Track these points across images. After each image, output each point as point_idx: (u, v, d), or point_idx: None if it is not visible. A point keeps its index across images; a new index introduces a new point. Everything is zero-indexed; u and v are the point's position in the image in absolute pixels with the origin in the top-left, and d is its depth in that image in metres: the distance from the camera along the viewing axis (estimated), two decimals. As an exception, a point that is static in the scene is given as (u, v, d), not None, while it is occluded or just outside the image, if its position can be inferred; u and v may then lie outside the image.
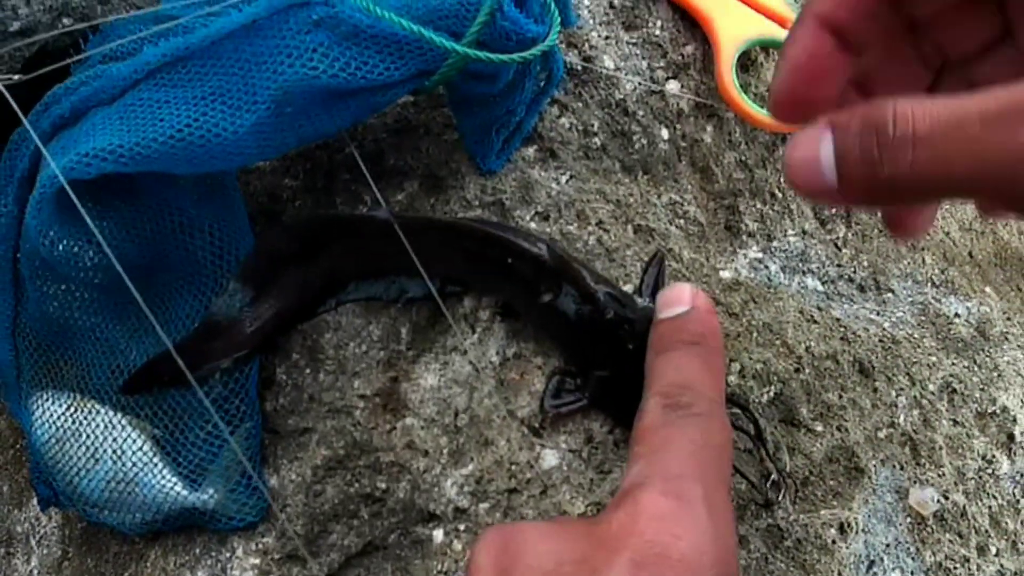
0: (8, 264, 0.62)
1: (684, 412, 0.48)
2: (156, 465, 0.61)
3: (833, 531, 0.59)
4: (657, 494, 0.44)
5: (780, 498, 0.58)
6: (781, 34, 0.65)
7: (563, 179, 0.62)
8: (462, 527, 0.58)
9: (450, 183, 0.61)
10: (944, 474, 0.65)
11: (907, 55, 0.51)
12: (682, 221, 0.63)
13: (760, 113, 0.64)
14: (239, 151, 0.53)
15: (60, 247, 0.57)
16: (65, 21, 0.67)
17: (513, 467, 0.57)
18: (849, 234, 0.72)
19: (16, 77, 0.55)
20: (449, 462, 0.58)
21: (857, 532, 0.60)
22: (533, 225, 0.60)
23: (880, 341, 0.66)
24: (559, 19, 0.56)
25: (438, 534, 0.58)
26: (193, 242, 0.59)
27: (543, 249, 0.55)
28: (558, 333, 0.56)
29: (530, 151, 0.62)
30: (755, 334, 0.61)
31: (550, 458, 0.57)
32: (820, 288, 0.69)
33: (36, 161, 0.58)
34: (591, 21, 0.64)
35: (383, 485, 0.59)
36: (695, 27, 0.67)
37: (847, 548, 0.59)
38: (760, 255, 0.68)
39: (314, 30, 0.52)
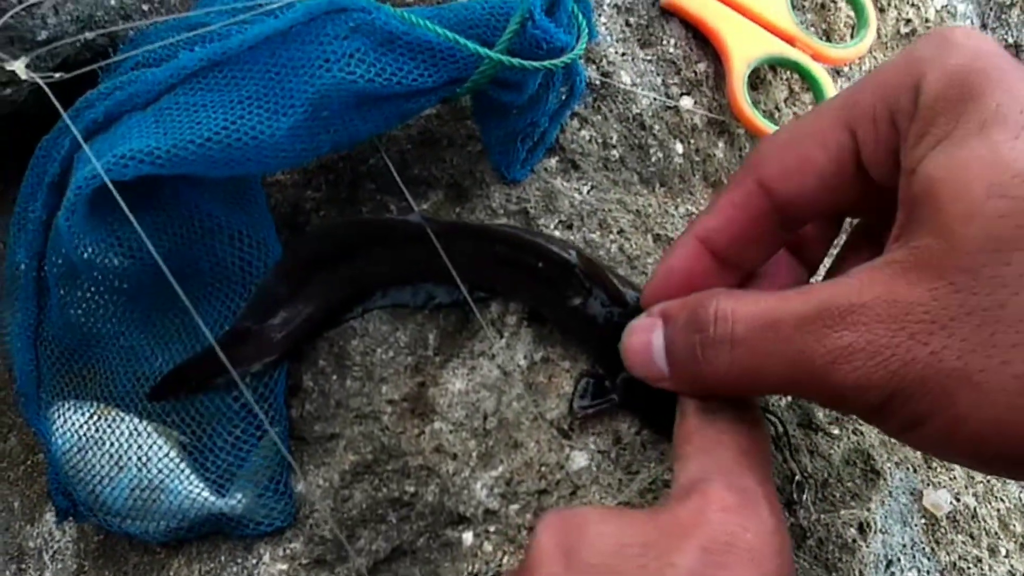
0: (33, 272, 0.62)
1: (725, 415, 0.49)
2: (183, 471, 0.61)
3: (853, 531, 0.60)
4: (723, 488, 0.45)
5: (803, 499, 0.60)
6: (790, 52, 0.68)
7: (585, 189, 0.63)
8: (492, 529, 0.58)
9: (475, 192, 0.63)
10: (955, 477, 0.66)
11: (787, 261, 0.55)
12: (698, 232, 0.65)
13: (771, 128, 0.66)
14: (275, 154, 0.54)
15: (90, 251, 0.57)
16: (88, 34, 0.68)
17: (543, 468, 0.58)
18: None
19: (57, 75, 0.56)
20: (478, 465, 0.59)
21: (875, 532, 0.61)
22: (557, 233, 0.62)
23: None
24: (587, 28, 0.58)
25: (468, 536, 0.59)
26: (222, 248, 0.60)
27: (572, 254, 0.57)
28: (587, 336, 0.57)
29: (552, 162, 0.63)
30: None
31: (579, 459, 0.58)
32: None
33: (67, 167, 0.58)
34: (609, 38, 0.66)
35: (411, 489, 0.59)
36: (707, 45, 0.69)
37: (867, 547, 0.60)
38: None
39: (351, 36, 0.53)
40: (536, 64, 0.54)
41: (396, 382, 0.61)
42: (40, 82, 0.55)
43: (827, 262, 0.56)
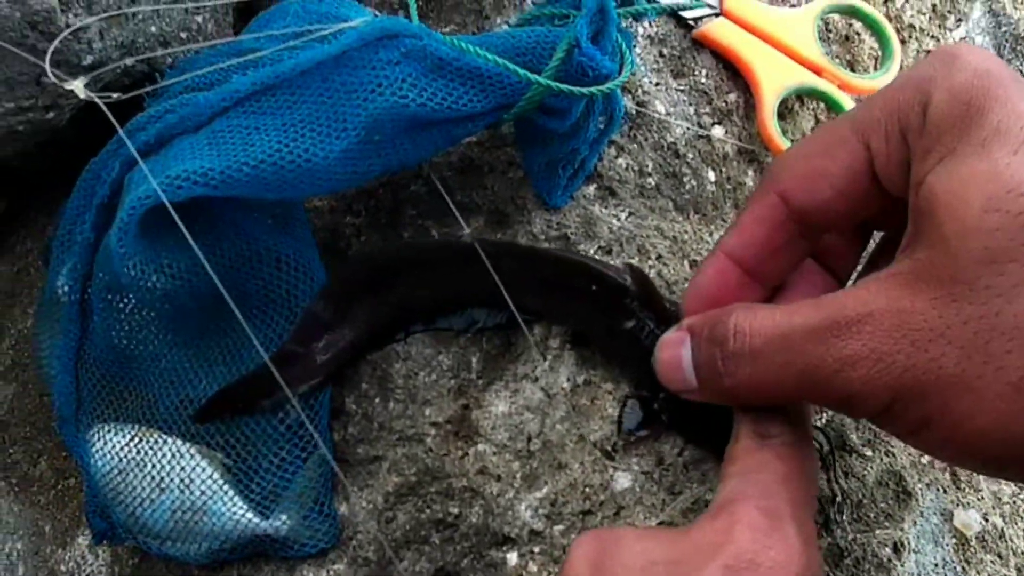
0: (77, 293, 0.63)
1: (775, 440, 0.51)
2: (227, 493, 0.61)
3: (888, 550, 0.62)
4: (752, 508, 0.47)
5: (842, 518, 0.61)
6: (818, 83, 0.69)
7: (623, 215, 0.64)
8: (537, 549, 0.59)
9: (516, 218, 0.64)
10: (983, 497, 0.68)
11: (818, 273, 0.57)
12: (732, 258, 0.66)
13: (801, 157, 0.68)
14: (327, 177, 0.55)
15: (139, 271, 0.58)
16: (128, 61, 0.69)
17: (587, 489, 0.59)
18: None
19: (115, 95, 0.57)
20: (523, 486, 0.60)
21: (909, 552, 0.62)
22: (597, 258, 0.63)
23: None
24: (630, 57, 0.59)
25: (512, 557, 0.59)
26: (268, 272, 0.61)
27: (626, 276, 0.58)
28: (638, 358, 0.58)
29: (591, 189, 0.65)
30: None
31: (623, 480, 0.59)
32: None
33: (117, 188, 0.59)
34: (643, 68, 0.67)
35: (455, 510, 0.60)
36: (737, 76, 0.71)
37: (902, 567, 0.62)
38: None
39: (403, 61, 0.55)
40: (582, 90, 0.56)
41: (439, 404, 0.62)
42: (99, 102, 0.55)
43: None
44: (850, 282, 0.58)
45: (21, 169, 0.78)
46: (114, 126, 0.58)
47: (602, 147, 0.64)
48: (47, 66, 0.57)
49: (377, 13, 0.60)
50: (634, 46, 0.67)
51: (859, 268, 0.58)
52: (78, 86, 0.57)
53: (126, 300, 0.62)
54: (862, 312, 0.43)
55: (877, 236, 0.57)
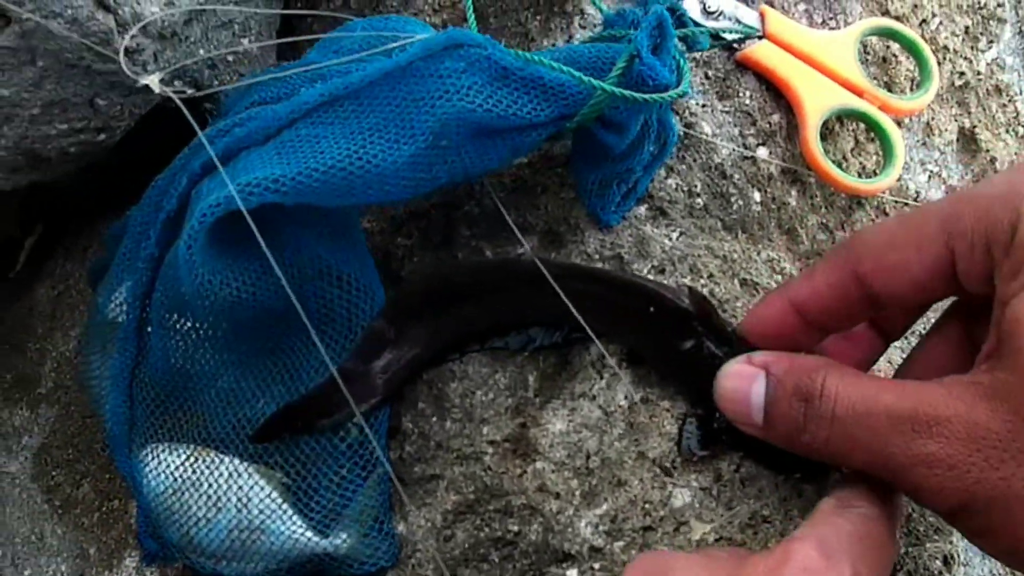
0: (136, 312, 0.63)
1: (856, 510, 0.51)
2: (285, 512, 0.62)
3: (939, 563, 0.62)
4: (812, 548, 0.48)
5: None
6: (859, 104, 0.70)
7: (674, 235, 0.65)
8: (597, 566, 0.60)
9: (570, 238, 0.65)
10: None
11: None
12: (780, 277, 0.67)
13: (845, 178, 0.69)
14: (395, 182, 0.56)
15: (204, 280, 0.58)
16: (177, 83, 0.69)
17: (647, 505, 0.60)
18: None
19: (190, 92, 0.57)
20: (582, 503, 0.60)
21: (959, 564, 0.63)
22: (650, 277, 0.64)
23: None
24: (688, 71, 0.60)
25: (572, 574, 0.60)
26: (329, 290, 0.61)
27: (684, 298, 0.59)
28: (696, 378, 0.59)
29: (642, 209, 0.66)
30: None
31: (682, 496, 0.60)
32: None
33: (184, 203, 0.59)
34: (690, 90, 0.68)
35: (515, 528, 0.61)
36: (779, 97, 0.72)
37: (954, 580, 0.63)
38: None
39: (468, 70, 0.56)
40: (643, 96, 0.57)
41: (497, 423, 0.62)
42: (174, 97, 0.56)
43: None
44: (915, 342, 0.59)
45: (60, 191, 0.78)
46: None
47: (655, 170, 0.65)
48: (120, 59, 0.57)
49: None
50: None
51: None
52: (153, 80, 0.58)
53: (185, 318, 0.62)
54: (942, 415, 0.45)
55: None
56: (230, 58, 0.73)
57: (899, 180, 0.72)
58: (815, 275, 0.54)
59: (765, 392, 0.53)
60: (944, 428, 0.45)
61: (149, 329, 0.64)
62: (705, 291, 0.64)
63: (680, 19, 0.65)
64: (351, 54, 0.60)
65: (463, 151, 0.57)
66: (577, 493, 0.60)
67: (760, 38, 0.71)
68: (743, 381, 0.54)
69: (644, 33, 0.58)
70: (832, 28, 0.74)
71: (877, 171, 0.74)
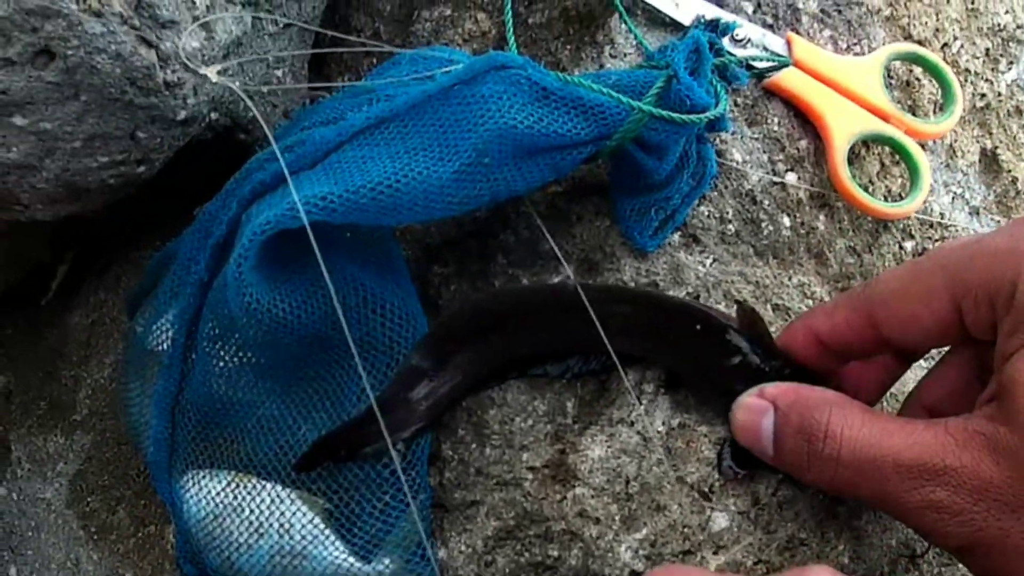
0: (183, 336, 0.64)
1: None
2: (328, 537, 0.63)
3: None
4: (827, 572, 0.49)
5: (928, 554, 0.63)
6: (885, 128, 0.71)
7: (707, 262, 0.66)
8: (637, 590, 0.61)
9: (606, 266, 0.66)
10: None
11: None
12: (811, 302, 0.68)
13: (873, 202, 0.70)
14: (440, 200, 0.57)
15: (253, 301, 0.58)
16: (213, 115, 0.70)
17: (686, 530, 0.61)
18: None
19: (260, 85, 0.58)
20: (621, 528, 0.61)
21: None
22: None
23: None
24: (725, 96, 0.62)
25: (613, 598, 0.61)
26: (373, 318, 0.62)
27: (731, 318, 0.60)
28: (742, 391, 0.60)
29: (676, 236, 0.67)
30: (884, 404, 0.66)
31: (720, 520, 0.61)
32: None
33: (234, 228, 0.60)
34: (728, 119, 0.69)
35: (555, 553, 0.61)
36: (806, 123, 0.73)
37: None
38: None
39: (509, 90, 0.57)
40: (680, 116, 0.58)
41: (536, 449, 0.63)
42: (235, 87, 0.58)
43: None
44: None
45: (91, 219, 0.79)
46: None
47: (693, 201, 0.66)
48: (182, 54, 0.59)
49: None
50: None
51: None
52: (211, 72, 0.59)
53: (230, 345, 0.63)
54: (952, 465, 0.48)
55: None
56: (264, 88, 0.74)
57: (924, 202, 0.72)
58: (835, 313, 0.57)
59: (773, 426, 0.56)
60: (951, 478, 0.48)
61: (193, 356, 0.65)
62: (739, 316, 0.65)
63: (718, 51, 0.66)
64: (403, 82, 0.61)
65: (505, 168, 0.58)
66: (617, 518, 0.61)
67: (787, 65, 0.72)
68: (754, 416, 0.57)
69: (681, 55, 0.60)
70: (856, 53, 0.75)
71: (902, 194, 0.75)
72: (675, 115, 0.58)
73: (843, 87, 0.72)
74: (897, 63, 0.76)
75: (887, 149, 0.75)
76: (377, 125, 0.58)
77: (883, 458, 0.50)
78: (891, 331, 0.54)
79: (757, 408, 0.57)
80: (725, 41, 0.70)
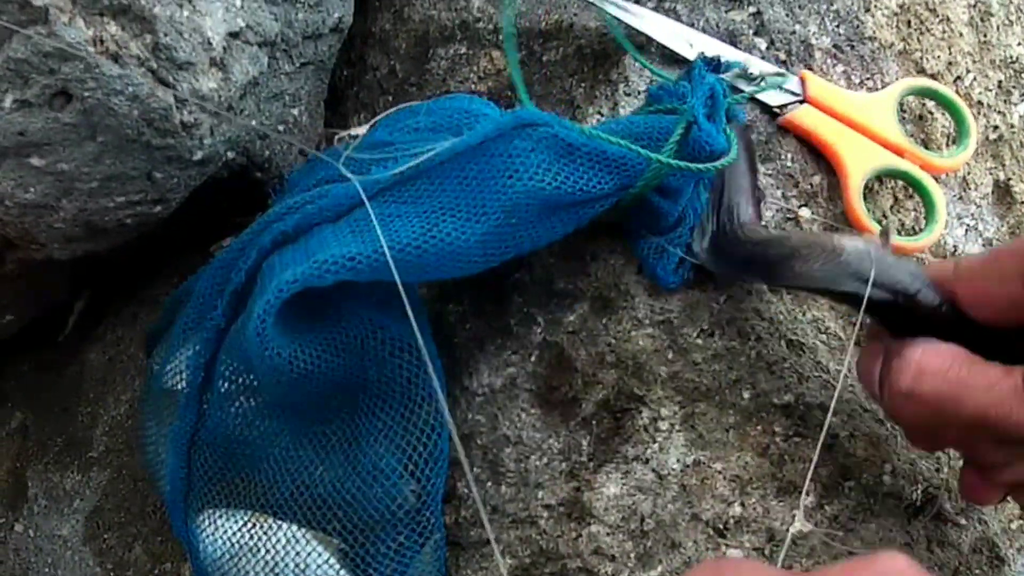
0: (199, 378, 0.64)
1: None
2: (343, 578, 0.63)
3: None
4: (901, 560, 0.49)
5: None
6: (900, 163, 0.72)
7: (721, 299, 0.66)
8: (654, 628, 0.60)
9: (620, 304, 0.66)
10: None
11: None
12: (825, 336, 0.68)
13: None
14: (467, 259, 0.58)
15: (274, 353, 0.58)
16: (229, 155, 0.71)
17: (702, 568, 0.60)
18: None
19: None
20: (637, 565, 0.61)
21: None
22: (699, 341, 0.65)
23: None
24: (735, 138, 0.62)
25: (629, 635, 0.61)
26: (391, 360, 0.62)
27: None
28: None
29: (690, 273, 0.67)
30: (900, 438, 0.66)
31: (735, 556, 0.61)
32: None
33: (252, 277, 0.61)
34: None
35: (571, 591, 0.62)
36: (819, 159, 0.73)
37: (1001, 631, 0.63)
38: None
39: (536, 148, 0.57)
40: (699, 166, 0.59)
41: (552, 487, 0.63)
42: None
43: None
44: None
45: (108, 257, 0.79)
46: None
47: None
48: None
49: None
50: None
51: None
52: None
53: (246, 387, 0.63)
54: None
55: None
56: (280, 127, 0.75)
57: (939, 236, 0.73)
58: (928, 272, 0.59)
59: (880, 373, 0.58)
60: None
61: (209, 396, 0.65)
62: (753, 353, 0.65)
63: (724, 91, 0.66)
64: (422, 132, 0.62)
65: (530, 226, 0.59)
66: (632, 555, 0.61)
67: (802, 102, 0.72)
68: (871, 361, 0.59)
69: (699, 101, 0.60)
70: (870, 88, 0.75)
71: (916, 228, 0.75)
72: (692, 166, 0.59)
73: (857, 123, 0.72)
74: (911, 97, 0.77)
75: (900, 183, 0.75)
76: (403, 183, 0.59)
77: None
78: (967, 304, 0.56)
79: (874, 353, 0.59)
80: (731, 76, 0.71)
